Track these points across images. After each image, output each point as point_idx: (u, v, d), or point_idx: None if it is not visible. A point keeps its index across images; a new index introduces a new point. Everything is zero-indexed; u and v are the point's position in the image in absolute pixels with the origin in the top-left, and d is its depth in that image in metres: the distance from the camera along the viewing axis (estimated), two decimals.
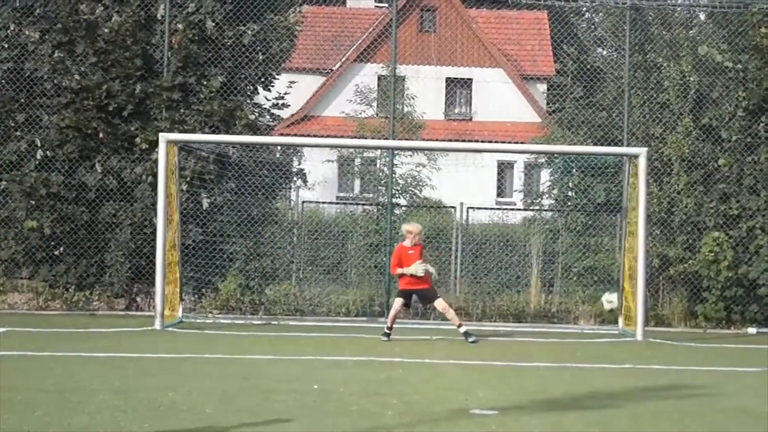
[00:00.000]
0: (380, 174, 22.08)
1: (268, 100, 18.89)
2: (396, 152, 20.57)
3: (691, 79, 17.96)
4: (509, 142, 29.62)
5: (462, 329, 14.74)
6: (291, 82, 19.56)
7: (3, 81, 17.59)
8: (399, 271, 14.85)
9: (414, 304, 15.61)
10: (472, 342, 14.52)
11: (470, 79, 38.31)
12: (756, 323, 17.49)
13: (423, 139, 28.74)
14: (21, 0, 17.63)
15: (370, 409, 8.83)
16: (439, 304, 14.81)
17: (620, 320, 16.72)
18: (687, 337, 16.31)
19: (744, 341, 16.30)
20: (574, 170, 19.07)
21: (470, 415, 8.65)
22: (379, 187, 21.61)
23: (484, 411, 8.85)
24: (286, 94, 19.04)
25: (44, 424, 7.78)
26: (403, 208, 20.45)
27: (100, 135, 17.30)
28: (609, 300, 17.11)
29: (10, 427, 7.46)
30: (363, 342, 14.40)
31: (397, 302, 14.76)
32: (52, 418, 8.30)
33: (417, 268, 14.72)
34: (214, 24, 17.49)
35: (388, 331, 14.67)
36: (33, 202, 17.33)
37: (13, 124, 17.48)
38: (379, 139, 23.65)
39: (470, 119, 37.98)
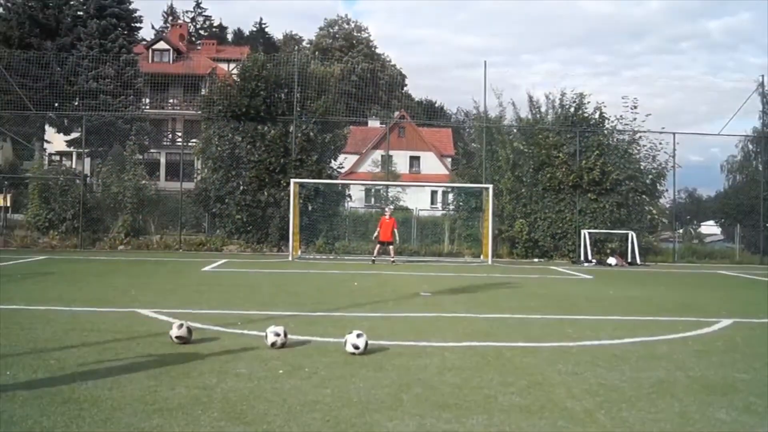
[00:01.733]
0: (382, 195, 23.05)
1: (335, 165, 19.76)
2: (388, 186, 22.13)
3: (511, 156, 18.71)
4: (435, 182, 31.51)
5: (392, 260, 14.95)
6: (345, 158, 21.03)
7: (226, 158, 17.98)
8: (376, 234, 15.37)
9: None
10: (393, 263, 14.70)
11: (419, 156, 39.03)
12: (537, 257, 18.20)
13: (401, 181, 29.77)
14: (234, 124, 18.08)
15: (378, 292, 9.20)
16: (390, 248, 15.18)
17: (482, 256, 17.10)
18: (510, 263, 16.79)
19: (532, 264, 16.68)
20: (462, 194, 19.66)
21: (420, 295, 8.85)
22: (382, 201, 22.43)
23: (425, 293, 9.05)
24: (343, 162, 20.49)
25: (243, 299, 7.85)
26: (391, 208, 20.26)
27: (266, 180, 17.94)
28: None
29: (215, 301, 7.45)
30: (375, 265, 14.64)
31: (378, 247, 15.27)
32: (247, 292, 8.54)
33: (376, 233, 15.13)
34: (313, 134, 18.20)
35: (373, 259, 15.11)
36: (239, 207, 17.87)
37: (230, 175, 18.04)
38: (381, 181, 25.48)
39: (420, 173, 38.18)
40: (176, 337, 5.15)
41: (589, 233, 17.55)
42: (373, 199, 27.15)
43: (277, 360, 4.69)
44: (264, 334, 5.18)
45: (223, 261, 14.31)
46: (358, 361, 4.71)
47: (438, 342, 5.54)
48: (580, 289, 10.62)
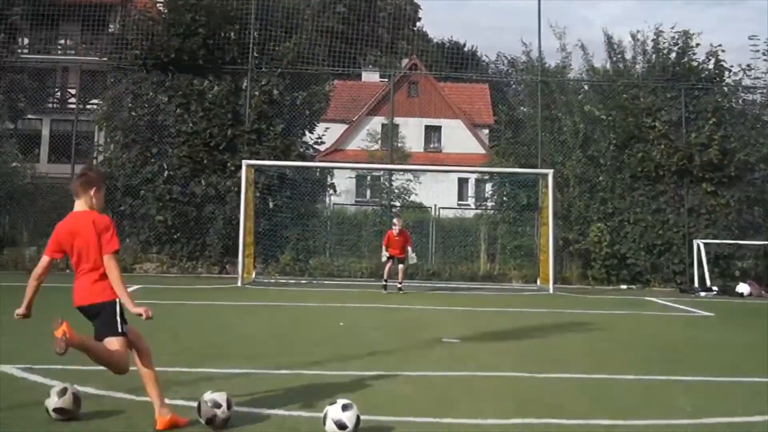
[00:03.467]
0: (383, 186, 23.31)
1: (311, 139, 20.27)
2: (393, 172, 22.06)
3: (580, 126, 19.06)
4: (465, 166, 31.41)
5: (399, 285, 15.29)
6: (326, 128, 20.85)
7: (143, 127, 18.54)
8: (384, 250, 15.62)
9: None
10: (400, 290, 15.15)
11: (440, 126, 39.96)
12: (625, 282, 18.54)
13: (410, 164, 30.15)
14: (157, 76, 18.51)
15: (377, 338, 9.28)
16: (401, 268, 15.42)
17: (538, 280, 17.59)
18: (581, 291, 17.13)
19: (617, 293, 17.16)
20: (506, 184, 20.10)
21: (441, 342, 8.98)
22: (382, 194, 22.79)
23: (450, 339, 9.19)
24: (323, 135, 20.50)
25: (163, 344, 7.53)
26: (397, 207, 20.83)
27: (204, 161, 18.32)
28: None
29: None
30: (372, 294, 15.05)
31: (388, 263, 15.46)
32: (172, 339, 8.61)
33: (383, 252, 15.60)
34: (277, 92, 18.66)
35: (384, 284, 15.43)
36: (161, 204, 18.23)
37: (149, 154, 18.47)
38: (382, 164, 25.38)
39: (440, 151, 39.01)
40: (55, 410, 5.11)
41: (706, 245, 17.66)
42: (368, 192, 27.11)
43: None
44: (196, 404, 5.12)
45: (135, 288, 14.43)
46: None
47: (471, 418, 5.51)
48: (694, 334, 10.70)
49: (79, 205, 4.92)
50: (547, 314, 12.41)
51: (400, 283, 15.37)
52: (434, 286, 16.69)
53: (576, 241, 18.32)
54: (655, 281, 18.25)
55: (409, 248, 15.47)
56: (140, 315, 4.73)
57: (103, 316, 4.79)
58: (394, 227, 15.53)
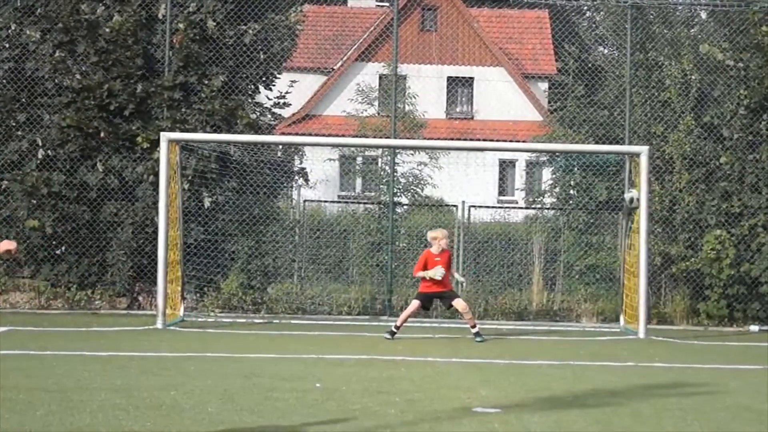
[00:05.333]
0: (382, 173, 22.80)
1: (269, 99, 19.85)
2: (397, 151, 21.48)
3: (693, 77, 18.60)
4: (511, 141, 30.85)
5: (474, 330, 15.08)
6: (292, 82, 20.51)
7: (4, 81, 18.21)
8: (420, 274, 15.09)
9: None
10: (479, 341, 14.90)
11: (471, 78, 40.12)
12: (758, 321, 18.04)
13: (424, 138, 30.24)
14: (22, 0, 18.23)
15: (373, 408, 8.98)
16: (459, 303, 15.10)
17: (622, 318, 17.13)
18: (689, 335, 16.82)
19: (746, 339, 16.80)
20: (575, 168, 19.87)
21: (473, 413, 8.81)
22: (381, 186, 22.37)
23: (486, 409, 9.05)
24: (287, 93, 19.85)
25: (45, 423, 7.86)
26: (405, 207, 20.75)
27: (102, 134, 17.83)
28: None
29: (11, 426, 7.61)
30: (365, 340, 15.01)
31: (414, 304, 15.10)
32: (53, 418, 8.28)
33: (437, 271, 14.82)
34: (215, 23, 18.10)
35: (395, 330, 15.01)
36: (34, 202, 17.81)
37: (14, 124, 18.02)
38: (380, 137, 24.92)
39: (472, 118, 39.69)
40: None
41: None
42: (359, 183, 27.24)
43: None
44: None
45: None
46: None
47: None
48: None
49: None
50: (634, 370, 12.38)
51: (474, 327, 15.06)
52: (461, 327, 16.15)
53: (682, 258, 17.93)
54: None
55: (455, 274, 15.55)
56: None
57: None
58: (433, 241, 15.13)
